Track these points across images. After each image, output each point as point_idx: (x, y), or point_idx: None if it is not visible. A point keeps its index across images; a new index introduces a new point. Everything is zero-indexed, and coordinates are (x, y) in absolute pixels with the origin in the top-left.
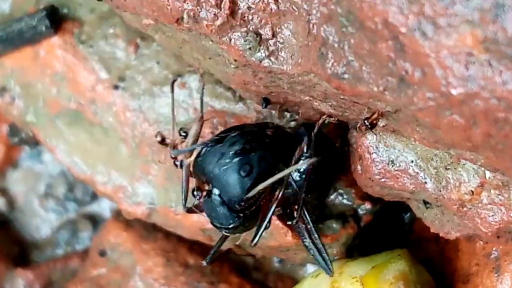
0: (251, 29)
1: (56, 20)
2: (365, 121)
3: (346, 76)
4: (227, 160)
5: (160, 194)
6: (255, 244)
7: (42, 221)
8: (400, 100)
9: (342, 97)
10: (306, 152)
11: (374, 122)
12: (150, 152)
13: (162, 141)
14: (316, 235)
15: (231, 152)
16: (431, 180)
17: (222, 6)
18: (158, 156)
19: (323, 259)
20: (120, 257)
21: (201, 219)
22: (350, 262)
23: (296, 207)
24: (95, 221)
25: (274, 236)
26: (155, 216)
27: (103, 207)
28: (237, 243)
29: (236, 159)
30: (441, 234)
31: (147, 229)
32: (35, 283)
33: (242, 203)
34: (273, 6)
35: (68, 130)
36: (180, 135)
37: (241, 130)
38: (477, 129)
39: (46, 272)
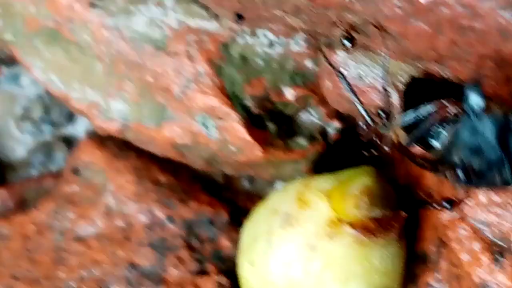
0: None
1: None
2: (342, 39)
3: None
4: None
5: (133, 111)
6: None
7: (17, 143)
8: (369, 9)
9: (313, 10)
10: None
11: (351, 37)
12: (125, 69)
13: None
14: None
15: None
16: (398, 95)
17: None
18: (133, 73)
19: None
20: (93, 175)
21: (173, 135)
22: (317, 177)
23: None
24: (70, 143)
25: (244, 151)
26: (128, 132)
27: (79, 130)
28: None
29: None
30: None
31: (120, 148)
32: (8, 201)
33: None
34: None
35: (45, 48)
36: (380, 116)
37: None
38: (442, 37)
39: (20, 191)
